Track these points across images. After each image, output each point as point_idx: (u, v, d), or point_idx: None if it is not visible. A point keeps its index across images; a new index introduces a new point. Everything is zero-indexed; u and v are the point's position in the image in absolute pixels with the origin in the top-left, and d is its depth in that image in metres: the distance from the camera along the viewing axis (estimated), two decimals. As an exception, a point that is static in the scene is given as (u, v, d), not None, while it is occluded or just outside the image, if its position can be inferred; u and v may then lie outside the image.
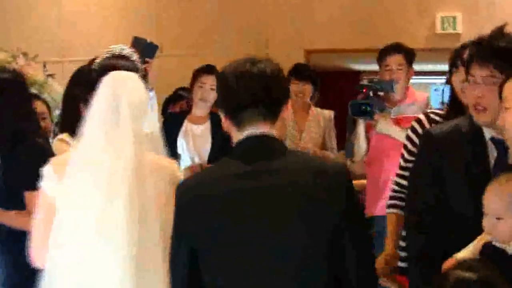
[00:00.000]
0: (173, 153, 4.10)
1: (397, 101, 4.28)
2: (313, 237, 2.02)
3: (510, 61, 2.33)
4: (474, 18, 6.27)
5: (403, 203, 3.11)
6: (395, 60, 4.28)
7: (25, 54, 4.46)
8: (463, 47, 2.95)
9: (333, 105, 5.29)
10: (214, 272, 2.07)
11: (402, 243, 3.10)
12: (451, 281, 2.02)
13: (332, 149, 4.95)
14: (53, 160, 2.44)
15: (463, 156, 2.42)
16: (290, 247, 2.02)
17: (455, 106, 3.01)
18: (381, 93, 4.14)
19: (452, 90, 3.06)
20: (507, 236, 2.16)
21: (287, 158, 2.09)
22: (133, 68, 2.44)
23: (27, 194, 2.95)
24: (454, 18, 6.36)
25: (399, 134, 3.97)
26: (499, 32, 2.44)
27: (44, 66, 4.87)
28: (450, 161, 2.44)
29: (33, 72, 4.43)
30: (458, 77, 2.98)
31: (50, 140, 3.52)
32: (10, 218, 3.01)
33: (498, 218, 2.16)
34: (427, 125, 3.07)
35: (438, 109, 3.35)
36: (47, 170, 2.39)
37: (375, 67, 4.51)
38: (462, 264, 2.10)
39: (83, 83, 2.50)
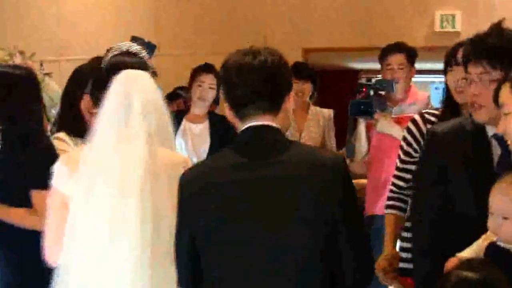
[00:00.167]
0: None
1: (398, 100, 4.28)
2: (310, 228, 2.02)
3: (502, 58, 2.34)
4: (473, 16, 6.25)
5: (401, 204, 3.13)
6: (396, 60, 4.28)
7: (21, 53, 4.44)
8: (457, 46, 2.95)
9: (331, 104, 5.27)
10: (212, 263, 2.09)
11: (403, 244, 3.10)
12: (452, 281, 2.02)
13: (332, 148, 4.94)
14: (65, 158, 2.43)
15: (467, 155, 2.41)
16: (287, 238, 2.02)
17: (450, 105, 3.01)
18: (383, 92, 4.14)
19: (447, 89, 3.05)
20: None
21: (287, 150, 2.09)
22: (142, 65, 2.42)
23: (35, 194, 2.92)
24: (453, 16, 6.34)
25: (400, 134, 3.96)
26: (495, 29, 2.44)
27: (41, 64, 4.85)
28: (454, 160, 2.42)
29: (30, 71, 4.40)
30: (453, 76, 2.98)
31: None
32: (20, 217, 2.98)
33: (504, 218, 2.14)
34: (422, 126, 3.07)
35: (434, 109, 3.34)
36: (60, 168, 2.37)
37: (373, 65, 4.50)
38: (464, 264, 2.09)
39: (95, 83, 2.47)
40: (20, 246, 2.98)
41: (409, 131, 3.11)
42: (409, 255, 3.00)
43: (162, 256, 2.26)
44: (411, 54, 4.32)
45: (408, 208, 3.12)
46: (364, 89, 4.20)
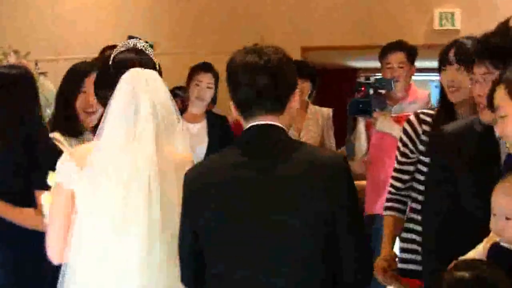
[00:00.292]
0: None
1: (398, 99, 4.29)
2: (310, 227, 2.04)
3: (505, 58, 2.32)
4: (473, 14, 6.23)
5: (400, 205, 3.13)
6: (396, 58, 4.28)
7: (16, 52, 4.41)
8: (450, 45, 2.95)
9: (330, 103, 5.26)
10: (213, 260, 2.12)
11: (404, 245, 3.09)
12: (446, 281, 2.02)
13: (331, 147, 4.92)
14: (72, 154, 2.39)
15: (474, 155, 2.39)
16: (287, 237, 2.04)
17: (445, 105, 2.99)
18: (383, 91, 4.13)
19: (442, 88, 3.03)
20: None
21: (289, 149, 2.11)
22: (149, 63, 2.40)
23: (39, 194, 2.90)
24: (453, 14, 6.31)
25: (399, 133, 3.96)
26: (502, 28, 2.43)
27: (36, 64, 4.82)
28: (462, 160, 2.40)
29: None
30: (446, 75, 2.97)
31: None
32: (25, 217, 2.95)
33: (507, 219, 2.11)
34: (417, 126, 3.06)
35: (429, 108, 3.34)
36: (67, 164, 2.34)
37: (372, 64, 4.49)
38: (459, 264, 2.08)
39: (102, 80, 2.45)
40: (19, 246, 2.96)
41: (405, 131, 3.11)
42: (410, 256, 3.06)
43: (169, 255, 2.26)
44: (411, 53, 4.33)
45: (408, 210, 3.11)
46: (363, 88, 4.19)
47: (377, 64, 4.47)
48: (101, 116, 3.15)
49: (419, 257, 2.96)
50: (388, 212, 3.14)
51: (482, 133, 2.42)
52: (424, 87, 6.21)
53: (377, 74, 4.58)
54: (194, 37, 6.67)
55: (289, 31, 6.53)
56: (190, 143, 4.47)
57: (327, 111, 5.02)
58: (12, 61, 4.30)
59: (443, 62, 2.97)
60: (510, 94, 2.12)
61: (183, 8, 6.76)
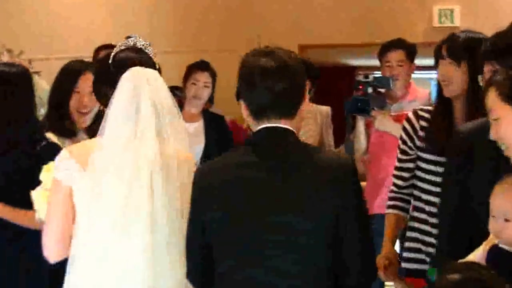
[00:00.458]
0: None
1: (398, 97, 4.29)
2: (315, 227, 2.08)
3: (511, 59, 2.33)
4: (472, 11, 6.19)
5: (403, 204, 3.10)
6: (395, 56, 4.29)
7: (9, 51, 4.38)
8: (443, 41, 2.96)
9: (328, 101, 5.24)
10: (219, 257, 2.15)
11: (408, 244, 3.07)
12: (437, 285, 2.02)
13: (330, 146, 4.90)
14: (72, 151, 2.37)
15: (488, 153, 2.36)
16: (291, 235, 2.08)
17: (442, 100, 2.99)
18: (382, 90, 4.12)
19: (439, 84, 3.03)
20: None
21: (298, 151, 2.16)
22: (149, 62, 2.41)
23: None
24: (452, 11, 6.28)
25: (399, 131, 3.96)
26: (510, 28, 2.45)
27: (30, 63, 4.79)
28: (475, 159, 2.38)
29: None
30: (440, 70, 2.97)
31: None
32: (30, 218, 2.90)
33: (506, 220, 2.10)
34: (415, 123, 3.04)
35: (428, 105, 3.32)
36: (66, 161, 2.32)
37: (371, 62, 4.46)
38: (450, 267, 2.05)
39: (101, 79, 2.44)
40: (18, 244, 2.95)
41: (404, 129, 3.11)
42: (414, 255, 3.03)
43: (173, 255, 2.28)
44: (410, 51, 4.34)
45: (411, 208, 3.09)
46: (360, 87, 4.17)
47: (376, 62, 4.45)
48: (96, 116, 3.15)
49: (422, 256, 2.98)
50: (390, 211, 3.13)
51: None
52: (424, 86, 6.18)
53: (376, 72, 4.55)
54: (188, 35, 6.63)
55: (287, 28, 6.50)
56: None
57: (326, 109, 5.00)
58: (5, 60, 4.27)
59: (437, 57, 2.98)
60: (501, 97, 2.13)
61: (177, 6, 6.72)
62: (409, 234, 3.08)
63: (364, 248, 2.13)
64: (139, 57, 2.39)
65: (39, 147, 2.97)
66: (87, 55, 4.62)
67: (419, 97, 4.28)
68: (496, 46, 2.40)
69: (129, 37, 2.65)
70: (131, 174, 2.26)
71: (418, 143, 3.02)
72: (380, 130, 4.12)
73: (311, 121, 4.90)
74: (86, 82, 3.12)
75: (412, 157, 3.05)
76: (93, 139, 2.42)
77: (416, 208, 3.05)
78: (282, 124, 2.16)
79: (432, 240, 2.92)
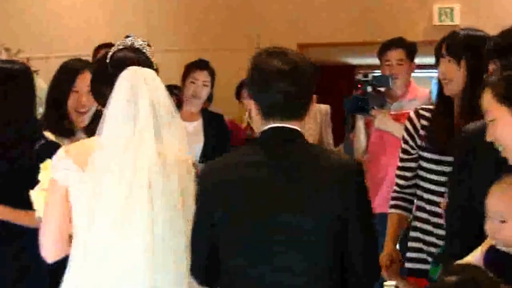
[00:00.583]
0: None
1: (398, 96, 4.27)
2: (319, 227, 2.11)
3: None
4: (473, 9, 6.18)
5: (405, 204, 3.10)
6: (395, 55, 4.28)
7: (7, 50, 4.36)
8: (443, 39, 2.95)
9: (327, 100, 5.23)
10: (224, 255, 2.18)
11: (412, 244, 3.05)
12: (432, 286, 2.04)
13: (329, 144, 4.89)
14: (69, 150, 2.36)
15: (492, 153, 2.33)
16: (295, 235, 2.11)
17: (443, 99, 2.98)
18: (382, 89, 4.12)
19: (440, 83, 3.01)
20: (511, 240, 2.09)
21: (304, 151, 2.19)
22: (146, 62, 2.41)
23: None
24: (452, 9, 6.26)
25: (398, 130, 3.96)
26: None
27: (28, 61, 4.76)
28: (479, 159, 2.36)
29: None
30: (440, 69, 2.96)
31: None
32: (31, 218, 2.88)
33: (502, 221, 2.09)
34: (416, 122, 3.04)
35: (429, 104, 3.32)
36: (64, 161, 2.31)
37: (370, 61, 4.45)
38: (445, 270, 2.06)
39: (99, 78, 2.44)
40: (19, 244, 2.94)
41: (406, 129, 3.10)
42: (416, 255, 3.02)
43: (173, 254, 2.29)
44: (410, 50, 4.33)
45: (414, 208, 3.09)
46: (360, 85, 4.17)
47: (376, 61, 4.44)
48: (94, 115, 3.13)
49: (424, 256, 2.97)
50: (393, 210, 3.12)
51: None
52: (425, 84, 6.15)
53: (375, 71, 4.53)
54: (187, 34, 6.61)
55: (287, 27, 6.48)
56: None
57: (325, 108, 5.00)
58: (4, 58, 4.25)
59: (437, 55, 2.97)
60: (497, 98, 2.12)
61: (176, 5, 6.71)
62: (412, 233, 3.07)
63: (367, 248, 2.16)
64: (136, 57, 2.38)
65: (38, 145, 2.94)
66: (85, 54, 4.60)
67: (419, 96, 4.26)
68: (499, 45, 2.39)
69: (127, 36, 2.64)
70: (131, 174, 2.25)
71: (419, 142, 3.01)
72: (380, 129, 4.12)
73: (310, 120, 4.89)
74: (84, 81, 3.10)
75: (414, 156, 3.04)
76: (91, 139, 2.42)
77: (419, 208, 3.05)
78: (291, 124, 2.18)
79: (434, 239, 2.92)
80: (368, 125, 4.19)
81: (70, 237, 2.32)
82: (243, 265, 2.15)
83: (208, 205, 2.19)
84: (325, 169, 2.14)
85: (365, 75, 4.30)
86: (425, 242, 2.97)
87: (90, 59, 4.12)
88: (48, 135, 3.09)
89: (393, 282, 3.10)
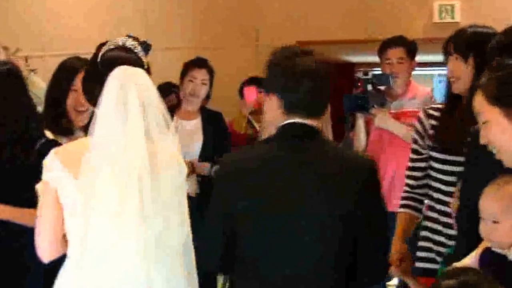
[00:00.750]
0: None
1: (398, 95, 4.27)
2: (332, 222, 2.17)
3: None
4: (473, 6, 6.15)
5: (416, 204, 3.10)
6: (395, 53, 4.28)
7: (5, 49, 4.35)
8: (450, 37, 2.95)
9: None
10: (242, 246, 2.23)
11: (422, 243, 3.05)
12: None
13: (329, 142, 4.85)
14: (57, 151, 2.36)
15: (492, 155, 2.30)
16: (307, 230, 2.17)
17: (452, 97, 2.97)
18: (382, 87, 4.11)
19: (448, 81, 3.01)
20: (505, 240, 2.07)
21: (322, 148, 2.26)
22: (137, 62, 2.40)
23: None
24: (452, 6, 6.23)
25: (398, 129, 3.96)
26: None
27: (26, 60, 4.75)
28: (481, 160, 2.33)
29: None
30: (448, 66, 2.95)
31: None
32: (33, 217, 2.87)
33: (495, 222, 2.08)
34: (425, 121, 3.03)
35: (438, 103, 3.31)
36: (54, 162, 2.32)
37: (370, 58, 4.43)
38: (443, 274, 2.05)
39: (90, 77, 2.44)
40: (19, 243, 2.92)
41: (415, 129, 3.10)
42: (426, 254, 3.03)
43: (170, 253, 2.30)
44: (411, 48, 4.33)
45: (425, 208, 3.08)
46: (359, 84, 4.16)
47: (376, 58, 4.42)
48: (93, 114, 3.11)
49: (433, 255, 2.98)
50: (402, 210, 3.12)
51: None
52: (427, 82, 6.15)
53: (376, 69, 4.52)
54: (185, 31, 6.60)
55: (285, 25, 6.46)
56: (185, 140, 4.38)
57: (325, 106, 4.95)
58: (2, 58, 4.23)
59: (445, 53, 2.96)
60: (488, 99, 2.08)
61: (173, 3, 6.69)
62: (422, 233, 3.07)
63: (375, 246, 2.24)
64: (127, 56, 2.38)
65: (39, 144, 2.93)
66: (85, 52, 4.57)
67: (419, 94, 4.26)
68: (502, 43, 2.38)
69: (128, 36, 2.64)
70: (123, 174, 2.25)
71: (429, 142, 3.00)
72: (380, 128, 4.11)
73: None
74: (82, 80, 3.08)
75: (424, 156, 3.04)
76: (82, 139, 2.43)
77: (429, 207, 3.05)
78: (310, 121, 2.26)
79: (443, 239, 2.93)
80: (368, 124, 4.19)
81: (65, 236, 2.32)
82: (262, 255, 2.21)
83: (228, 194, 2.25)
84: (343, 166, 2.22)
85: (365, 73, 4.30)
86: (434, 242, 2.98)
87: (89, 57, 4.10)
88: (48, 134, 3.08)
89: (396, 282, 3.09)
